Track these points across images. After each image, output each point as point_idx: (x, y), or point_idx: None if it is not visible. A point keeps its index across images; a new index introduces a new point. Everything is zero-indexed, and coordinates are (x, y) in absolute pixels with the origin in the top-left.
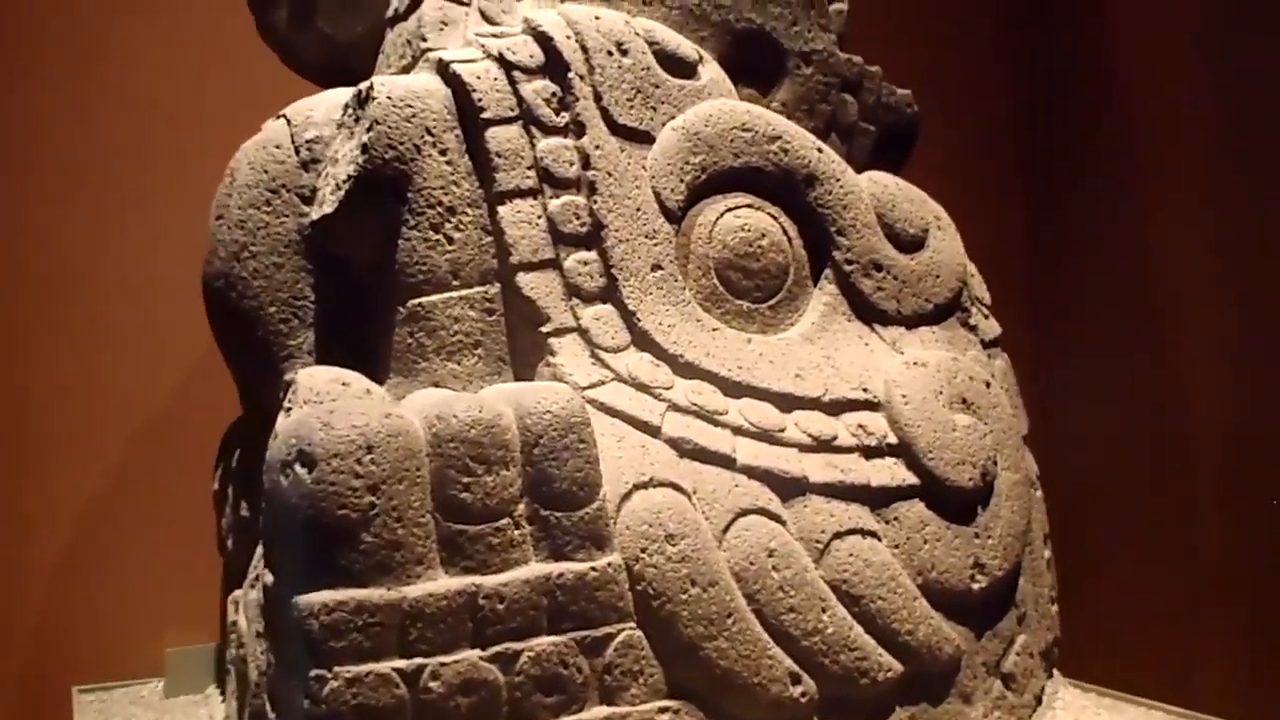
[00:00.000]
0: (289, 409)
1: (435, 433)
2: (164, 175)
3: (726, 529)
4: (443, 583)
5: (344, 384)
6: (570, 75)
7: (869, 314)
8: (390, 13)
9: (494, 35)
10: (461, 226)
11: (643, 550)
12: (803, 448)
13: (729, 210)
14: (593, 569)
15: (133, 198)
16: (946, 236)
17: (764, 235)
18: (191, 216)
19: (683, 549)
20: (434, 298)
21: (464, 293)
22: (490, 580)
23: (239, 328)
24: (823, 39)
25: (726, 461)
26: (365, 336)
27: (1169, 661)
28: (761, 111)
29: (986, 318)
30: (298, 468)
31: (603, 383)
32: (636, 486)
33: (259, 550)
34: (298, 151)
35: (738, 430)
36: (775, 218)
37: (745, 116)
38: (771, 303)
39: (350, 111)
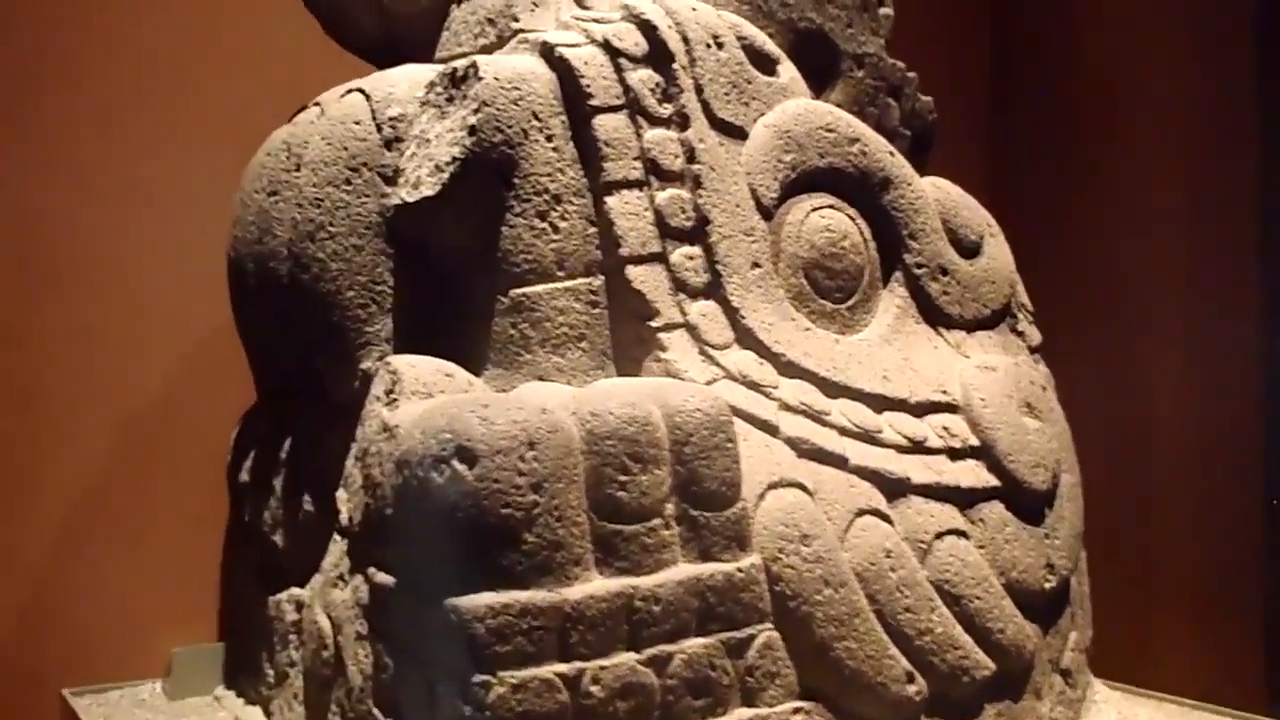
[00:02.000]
0: (394, 400)
1: (590, 429)
2: (159, 158)
3: (847, 529)
4: (600, 584)
5: (448, 375)
6: (675, 66)
7: (935, 317)
8: None
9: (595, 20)
10: (567, 215)
11: (780, 551)
12: (899, 449)
13: (814, 210)
14: (738, 569)
15: (130, 182)
16: (999, 243)
17: (846, 236)
18: (182, 204)
19: (816, 549)
20: (539, 288)
21: (569, 284)
22: (646, 581)
23: (310, 311)
24: (874, 42)
25: (840, 462)
26: (445, 324)
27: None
28: (841, 112)
29: (1031, 324)
30: (456, 464)
31: (715, 380)
32: (770, 486)
33: (338, 547)
34: (379, 129)
35: (843, 431)
36: (853, 219)
37: (829, 117)
38: (850, 303)
39: (441, 90)
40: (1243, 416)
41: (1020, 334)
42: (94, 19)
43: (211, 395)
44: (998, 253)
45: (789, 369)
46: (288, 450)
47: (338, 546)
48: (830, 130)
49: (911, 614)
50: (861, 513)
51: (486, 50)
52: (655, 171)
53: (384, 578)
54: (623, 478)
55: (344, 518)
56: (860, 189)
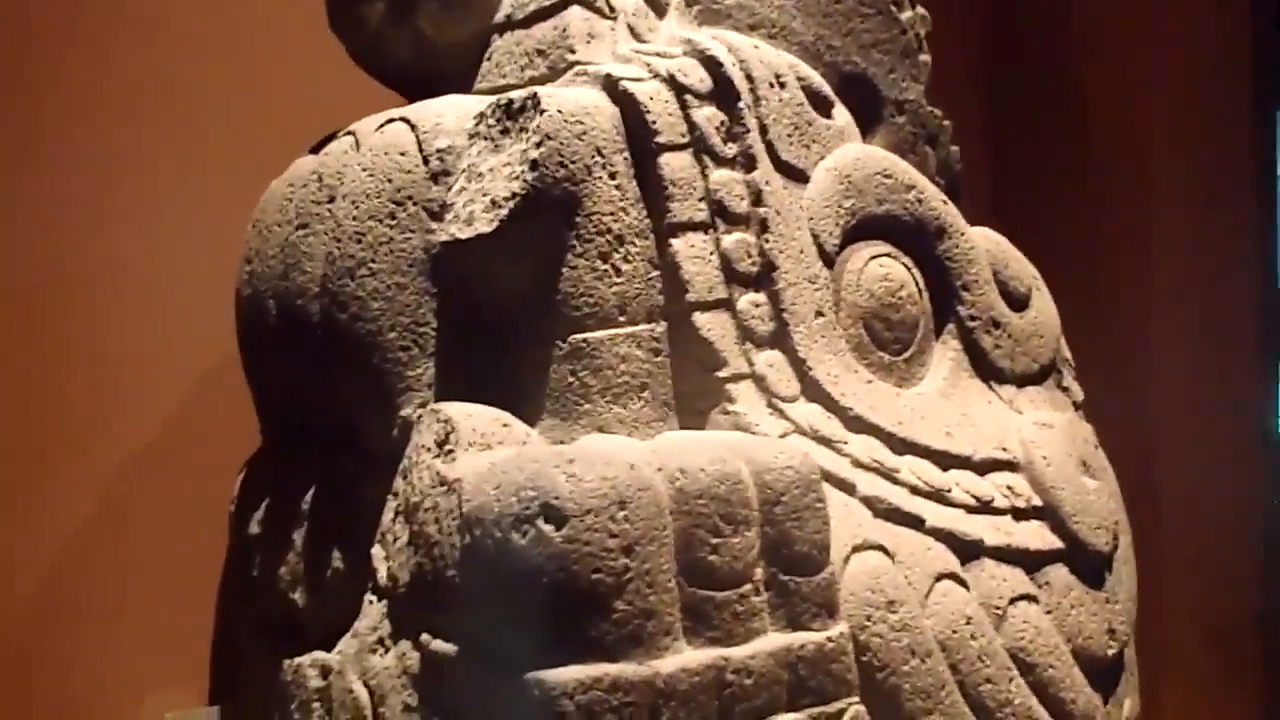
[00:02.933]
0: (450, 452)
1: (680, 488)
2: (163, 184)
3: (928, 594)
4: (691, 656)
5: (505, 425)
6: (740, 105)
7: (988, 371)
8: (501, 18)
9: (658, 54)
10: (629, 258)
11: (867, 619)
12: (968, 509)
13: (873, 258)
14: (829, 639)
15: (133, 206)
16: (1045, 296)
17: (903, 286)
18: (183, 235)
19: (902, 617)
20: (600, 334)
21: (631, 330)
22: (738, 653)
23: (346, 353)
24: (914, 89)
25: (917, 522)
26: (490, 370)
27: None
28: (897, 159)
29: (1074, 379)
30: (541, 524)
31: (786, 434)
32: (854, 549)
33: (375, 608)
34: (426, 161)
35: (914, 490)
36: (909, 268)
37: (885, 162)
38: (906, 355)
39: (494, 122)
40: (1244, 477)
41: (1065, 389)
42: (97, 36)
43: (207, 440)
44: (1044, 306)
45: (856, 423)
46: (311, 501)
47: (375, 608)
48: (888, 176)
49: (992, 684)
50: (940, 577)
51: (536, 82)
52: (721, 214)
53: (442, 645)
54: (715, 540)
55: (382, 577)
56: (915, 237)
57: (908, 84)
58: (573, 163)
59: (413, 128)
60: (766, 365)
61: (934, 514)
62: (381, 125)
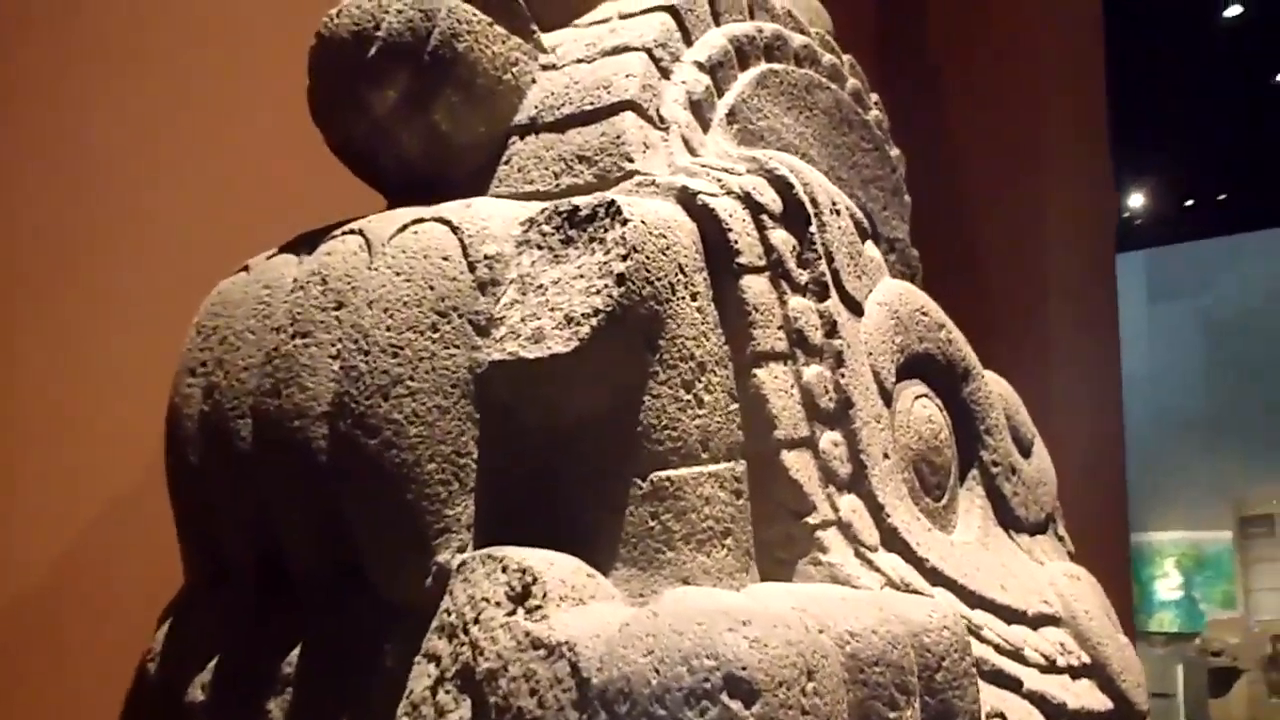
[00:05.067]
0: (537, 608)
1: (852, 653)
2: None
3: None
4: None
5: (589, 575)
6: (811, 229)
7: (1007, 519)
8: (524, 119)
9: (725, 170)
10: (711, 388)
11: None
12: (1041, 669)
13: (916, 398)
14: None
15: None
16: (1041, 444)
17: (942, 429)
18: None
19: None
20: (683, 471)
21: (713, 468)
22: None
23: (369, 486)
24: (902, 228)
25: (1015, 685)
26: (537, 509)
27: None
28: (926, 296)
29: (1065, 529)
30: (726, 699)
31: (882, 588)
32: (989, 717)
33: None
34: (473, 268)
35: (998, 649)
36: (940, 409)
37: (922, 299)
38: (944, 501)
39: (553, 230)
40: None
41: (1061, 539)
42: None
43: (113, 578)
44: (1043, 454)
45: (933, 575)
46: (299, 661)
47: None
48: (925, 314)
49: None
50: None
51: (577, 190)
52: (801, 344)
53: None
54: (891, 714)
55: None
56: (945, 378)
57: (897, 222)
58: (658, 280)
59: (454, 230)
60: (850, 511)
61: (1024, 675)
62: (408, 225)
